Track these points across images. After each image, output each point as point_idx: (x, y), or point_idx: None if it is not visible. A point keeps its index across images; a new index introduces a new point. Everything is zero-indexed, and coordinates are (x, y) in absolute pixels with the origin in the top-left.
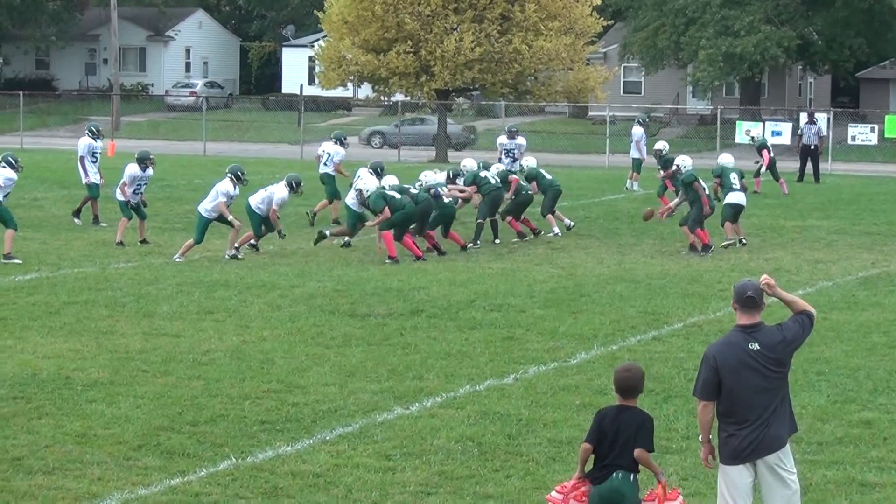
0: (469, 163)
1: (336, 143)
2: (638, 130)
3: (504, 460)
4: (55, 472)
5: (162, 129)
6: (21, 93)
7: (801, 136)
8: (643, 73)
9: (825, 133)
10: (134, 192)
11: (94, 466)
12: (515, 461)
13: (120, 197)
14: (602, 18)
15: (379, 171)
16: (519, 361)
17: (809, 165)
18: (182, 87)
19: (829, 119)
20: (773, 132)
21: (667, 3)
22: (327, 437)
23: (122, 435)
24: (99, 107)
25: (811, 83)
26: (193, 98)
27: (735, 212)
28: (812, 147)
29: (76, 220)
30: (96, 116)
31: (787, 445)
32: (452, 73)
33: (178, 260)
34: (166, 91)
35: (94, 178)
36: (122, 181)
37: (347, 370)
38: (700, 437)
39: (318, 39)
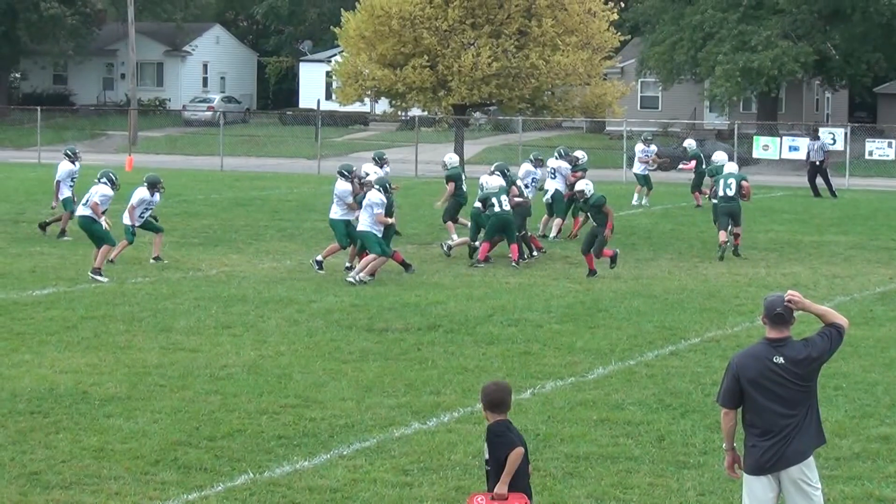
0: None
1: (376, 163)
2: (640, 147)
3: None
4: (73, 487)
5: (179, 143)
6: (39, 108)
7: (808, 153)
8: (660, 87)
9: (829, 148)
10: (139, 215)
11: (111, 481)
12: (533, 476)
13: (127, 221)
14: (619, 34)
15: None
16: (536, 376)
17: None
18: (199, 101)
19: (846, 134)
20: (790, 147)
21: (684, 18)
22: (344, 452)
23: (139, 450)
24: (116, 122)
25: (828, 98)
26: (211, 113)
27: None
28: (817, 163)
29: (44, 233)
30: (113, 131)
31: (812, 459)
32: (469, 88)
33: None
34: (184, 106)
35: (68, 193)
36: (130, 204)
37: (365, 385)
38: (724, 445)
39: (335, 55)
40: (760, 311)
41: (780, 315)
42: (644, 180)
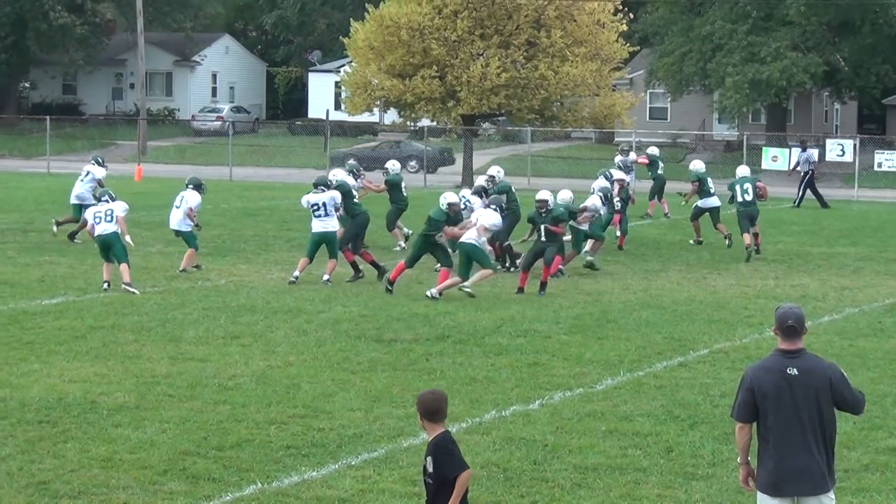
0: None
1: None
2: (618, 158)
3: (529, 486)
4: (81, 497)
5: (188, 153)
6: (48, 117)
7: (797, 163)
8: (669, 99)
9: (815, 159)
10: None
11: (119, 491)
12: (541, 487)
13: (186, 227)
14: (628, 45)
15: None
16: (545, 387)
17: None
18: (208, 111)
19: (855, 146)
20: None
21: (693, 30)
22: (353, 463)
23: (147, 459)
24: (125, 131)
25: (837, 110)
26: (220, 123)
27: (699, 213)
28: (803, 174)
29: (76, 241)
30: (123, 141)
31: (832, 494)
32: (478, 99)
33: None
34: (193, 116)
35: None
36: (189, 208)
37: (373, 395)
38: (739, 459)
39: (344, 65)
40: (772, 323)
41: (791, 327)
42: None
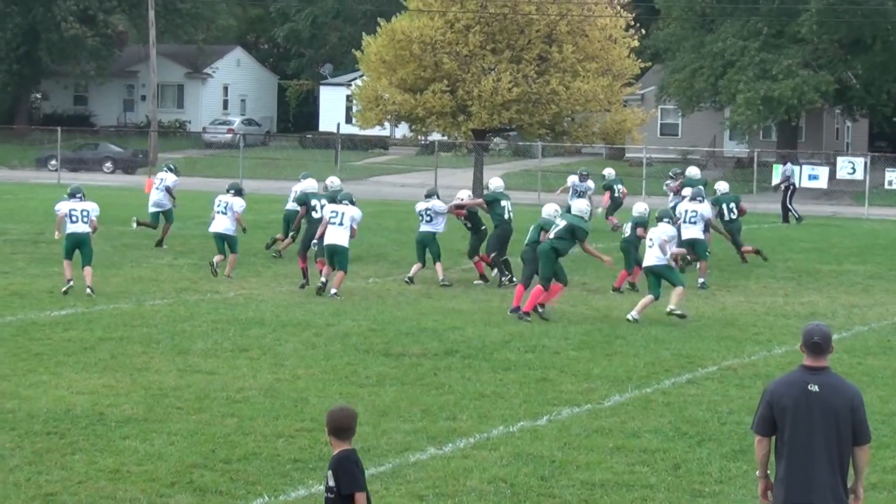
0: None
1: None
2: (573, 179)
3: (537, 502)
4: None
5: (199, 165)
6: (59, 128)
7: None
8: (680, 115)
9: (790, 174)
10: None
11: (127, 503)
12: (548, 503)
13: (231, 231)
14: (640, 60)
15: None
16: (553, 403)
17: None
18: (219, 124)
19: (865, 163)
20: (809, 176)
21: (705, 46)
22: None
23: (155, 472)
24: (136, 143)
25: (848, 127)
26: (231, 135)
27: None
28: (784, 188)
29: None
30: None
31: None
32: (489, 114)
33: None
34: (204, 128)
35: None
36: (236, 213)
37: (381, 410)
38: (757, 472)
39: (355, 78)
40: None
41: (817, 344)
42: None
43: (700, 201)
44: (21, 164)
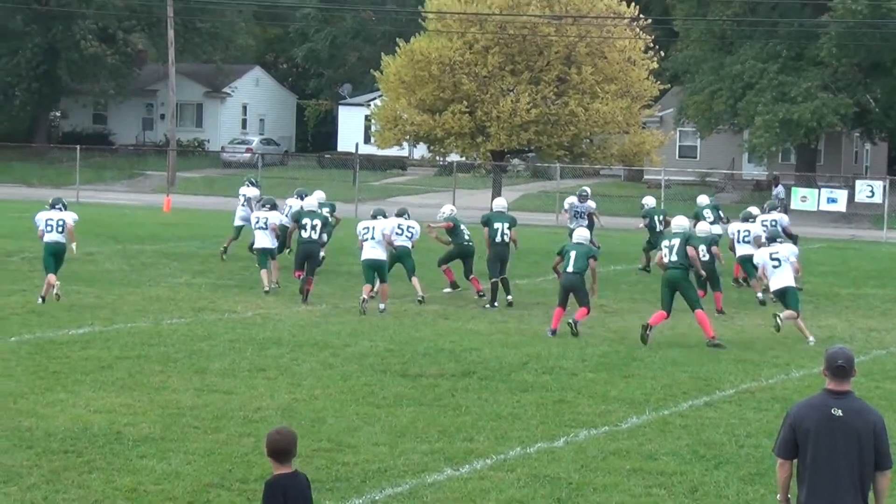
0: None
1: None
2: (571, 200)
3: None
4: None
5: (217, 185)
6: (78, 146)
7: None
8: (699, 137)
9: (783, 196)
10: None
11: None
12: None
13: (275, 243)
14: (659, 82)
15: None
16: (570, 424)
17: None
18: (238, 143)
19: (885, 187)
20: (828, 199)
21: (724, 68)
22: (377, 498)
23: (172, 491)
24: (155, 162)
25: (868, 150)
26: (249, 155)
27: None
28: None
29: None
30: (152, 171)
31: None
32: (508, 135)
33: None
34: (222, 147)
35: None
36: (273, 224)
37: (398, 430)
38: (778, 496)
39: (374, 98)
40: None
41: (841, 367)
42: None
43: (752, 221)
44: (40, 183)
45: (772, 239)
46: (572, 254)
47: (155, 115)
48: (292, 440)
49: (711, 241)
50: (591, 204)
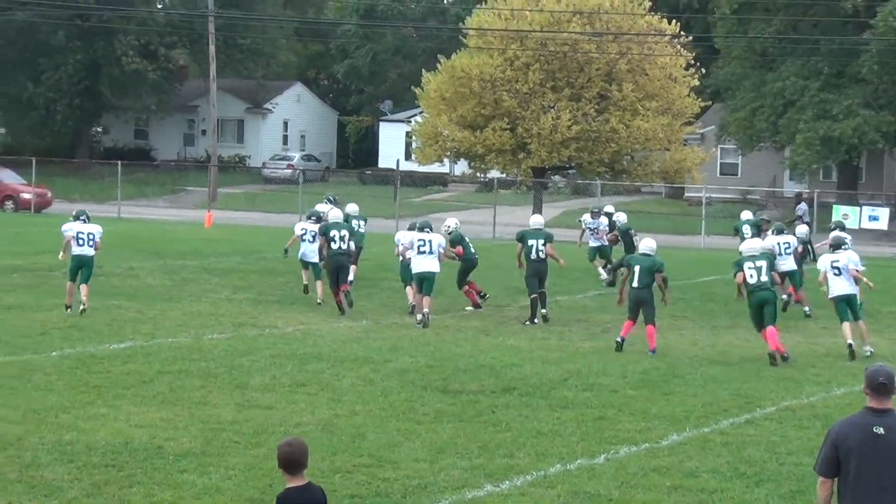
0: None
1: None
2: (587, 217)
3: None
4: None
5: (258, 201)
6: (119, 162)
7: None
8: (740, 154)
9: (802, 213)
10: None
11: None
12: None
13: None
14: (700, 99)
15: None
16: (610, 441)
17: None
18: (279, 159)
19: None
20: (869, 217)
21: (765, 85)
22: None
23: None
24: (196, 178)
25: None
26: (290, 171)
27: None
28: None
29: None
30: (193, 187)
31: None
32: (549, 151)
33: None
34: (263, 163)
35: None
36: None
37: (438, 446)
38: None
39: (415, 115)
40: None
41: (882, 385)
42: (594, 253)
43: (788, 233)
44: (82, 198)
45: (836, 246)
46: (636, 269)
47: (196, 131)
48: (303, 451)
49: (803, 240)
50: (603, 220)
